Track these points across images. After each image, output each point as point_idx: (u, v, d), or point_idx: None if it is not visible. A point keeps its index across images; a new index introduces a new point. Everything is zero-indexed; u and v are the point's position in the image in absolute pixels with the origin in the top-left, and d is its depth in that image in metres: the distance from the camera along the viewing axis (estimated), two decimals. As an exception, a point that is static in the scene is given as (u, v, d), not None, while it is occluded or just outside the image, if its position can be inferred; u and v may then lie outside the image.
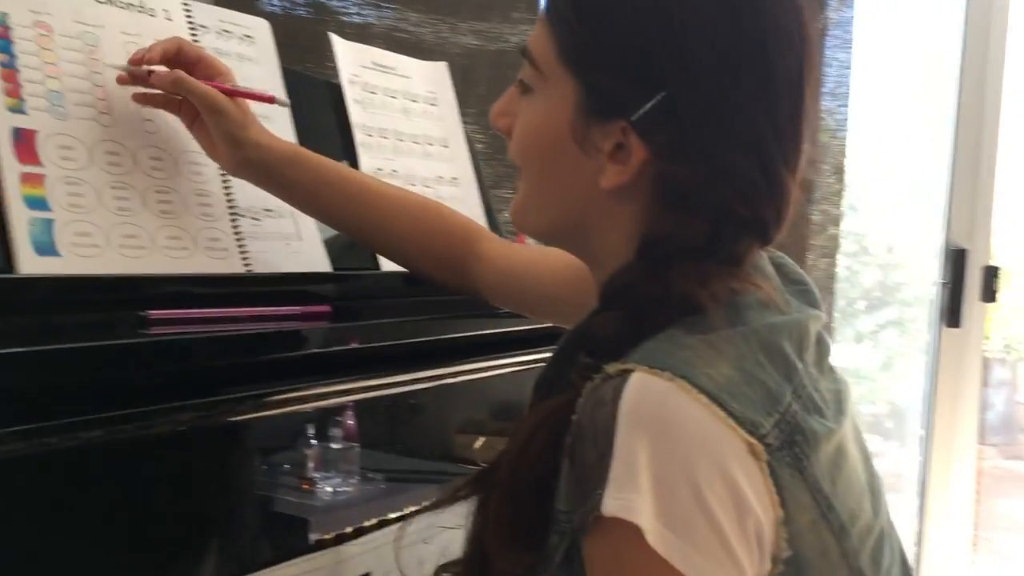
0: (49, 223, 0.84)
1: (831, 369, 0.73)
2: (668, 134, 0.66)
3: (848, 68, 2.22)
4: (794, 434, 0.62)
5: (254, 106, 1.00)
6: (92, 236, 0.87)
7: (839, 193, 2.26)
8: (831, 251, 2.26)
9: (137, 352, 0.76)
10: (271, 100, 1.01)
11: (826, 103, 2.22)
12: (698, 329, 0.64)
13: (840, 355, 2.39)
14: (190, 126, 0.97)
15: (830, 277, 2.26)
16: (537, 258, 1.01)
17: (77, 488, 0.70)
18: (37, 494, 0.68)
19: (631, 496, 0.58)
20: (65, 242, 0.84)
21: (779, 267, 0.76)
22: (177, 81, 0.92)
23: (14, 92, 0.86)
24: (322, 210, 1.01)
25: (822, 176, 2.23)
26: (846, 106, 2.25)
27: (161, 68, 0.94)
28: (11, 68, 0.87)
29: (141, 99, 0.94)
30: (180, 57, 0.94)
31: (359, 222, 1.01)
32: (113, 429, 0.70)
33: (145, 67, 0.92)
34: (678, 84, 0.65)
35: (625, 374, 0.61)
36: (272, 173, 0.97)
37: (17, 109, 0.86)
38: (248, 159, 0.95)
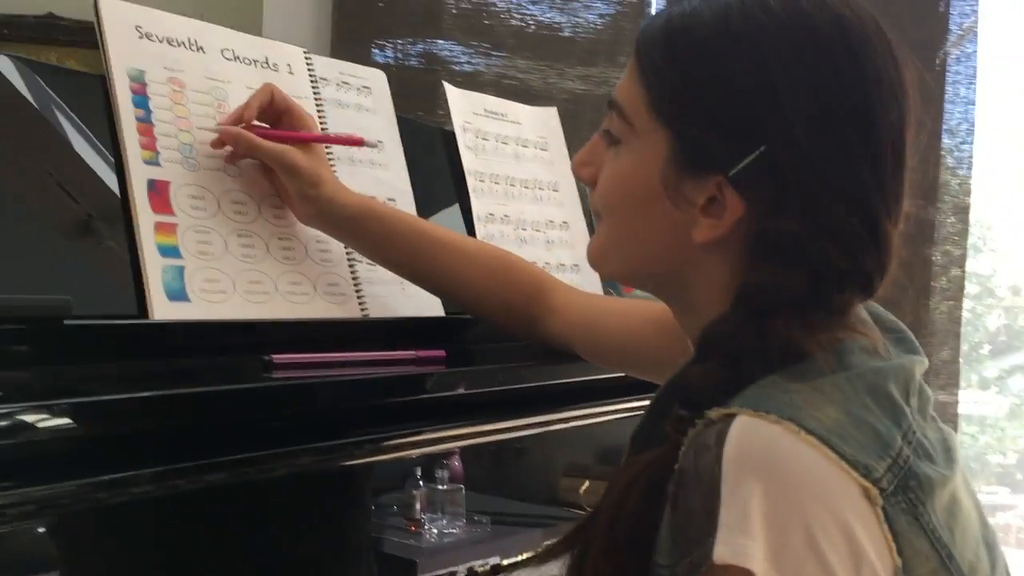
0: (180, 270, 0.88)
1: (934, 418, 0.70)
2: (767, 189, 0.65)
3: (972, 104, 2.14)
4: (908, 479, 0.60)
5: (363, 152, 1.01)
6: (219, 282, 0.90)
7: (962, 233, 2.17)
8: (955, 294, 2.16)
9: (262, 396, 0.78)
10: (360, 143, 1.03)
11: (946, 141, 2.14)
12: (800, 376, 0.62)
13: (964, 402, 2.28)
14: (269, 176, 0.99)
15: (954, 321, 2.16)
16: (613, 310, 1.01)
17: (201, 529, 0.72)
18: (164, 534, 0.71)
19: (743, 541, 0.56)
20: (195, 288, 0.88)
21: (874, 316, 0.73)
22: (250, 147, 0.95)
23: (150, 145, 0.91)
24: (393, 262, 1.03)
25: (943, 215, 2.15)
26: (969, 143, 2.16)
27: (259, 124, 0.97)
28: (147, 123, 0.92)
29: (231, 159, 0.97)
30: (272, 107, 0.97)
31: (430, 274, 1.03)
32: (237, 472, 0.72)
33: (234, 128, 0.95)
34: (778, 139, 0.64)
35: (728, 419, 0.60)
36: (342, 227, 0.99)
37: (152, 161, 0.90)
38: (320, 212, 0.98)
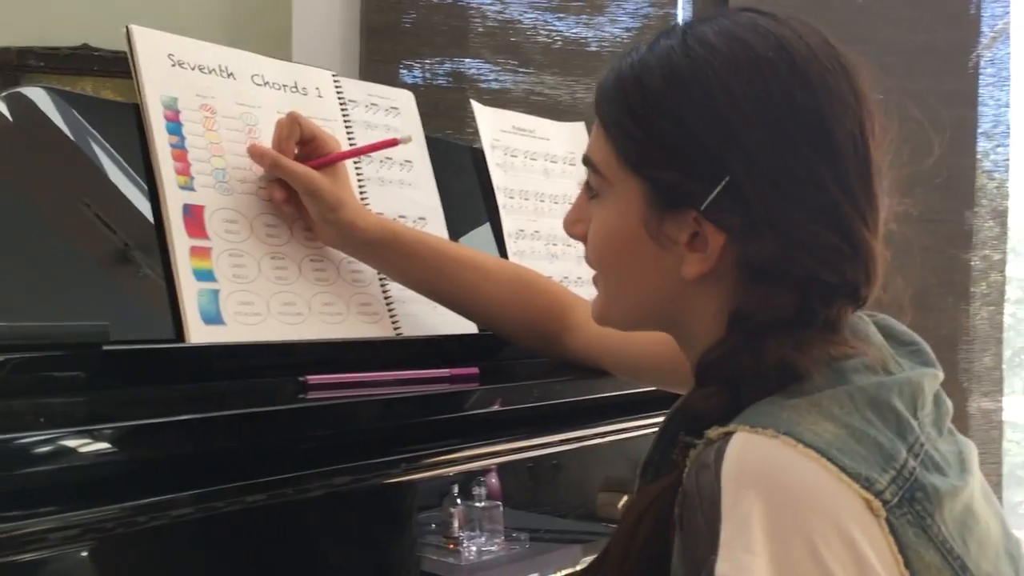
0: (215, 293, 0.89)
1: (952, 432, 0.70)
2: (740, 216, 0.66)
3: (1006, 107, 2.11)
4: (914, 491, 0.60)
5: (392, 172, 1.02)
6: (254, 304, 0.91)
7: (1001, 237, 2.14)
8: (995, 299, 2.13)
9: (298, 417, 0.78)
10: (394, 143, 1.04)
11: (982, 145, 2.11)
12: (799, 393, 0.63)
13: (1009, 408, 2.24)
14: (294, 198, 1.00)
15: (995, 326, 2.12)
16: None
17: (240, 550, 0.73)
18: (205, 556, 0.71)
19: (744, 556, 0.56)
20: (229, 311, 0.89)
21: (885, 329, 0.74)
22: (274, 165, 0.96)
23: (184, 171, 0.92)
24: (415, 282, 1.04)
25: (980, 220, 2.12)
26: (1005, 146, 2.13)
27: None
28: (181, 148, 0.93)
29: (266, 194, 0.98)
30: (303, 134, 0.99)
31: (452, 293, 1.04)
32: (275, 493, 0.72)
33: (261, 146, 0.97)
34: (739, 167, 0.65)
35: (727, 436, 0.60)
36: (363, 250, 1.01)
37: (187, 187, 0.92)
38: (340, 235, 0.99)
